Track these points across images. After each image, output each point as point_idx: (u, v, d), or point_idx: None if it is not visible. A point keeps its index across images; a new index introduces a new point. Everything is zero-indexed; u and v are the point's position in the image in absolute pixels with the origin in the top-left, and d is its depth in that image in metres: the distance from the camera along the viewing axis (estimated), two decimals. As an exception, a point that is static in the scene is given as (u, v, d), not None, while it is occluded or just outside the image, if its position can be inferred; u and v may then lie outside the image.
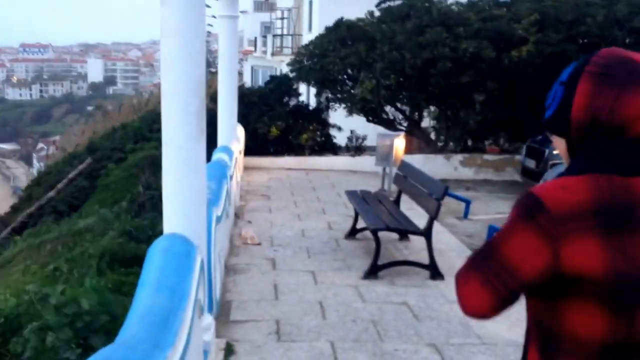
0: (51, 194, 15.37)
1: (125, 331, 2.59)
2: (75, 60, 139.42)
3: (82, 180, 15.52)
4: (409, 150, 12.23)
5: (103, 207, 10.17)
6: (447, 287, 6.00)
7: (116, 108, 44.98)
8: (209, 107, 11.87)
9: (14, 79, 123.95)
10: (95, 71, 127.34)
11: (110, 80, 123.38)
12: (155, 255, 3.28)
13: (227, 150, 8.20)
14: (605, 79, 1.43)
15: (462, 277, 1.54)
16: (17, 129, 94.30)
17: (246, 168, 12.41)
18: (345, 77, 14.30)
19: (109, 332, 3.89)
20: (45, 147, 69.53)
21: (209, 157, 7.64)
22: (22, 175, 67.59)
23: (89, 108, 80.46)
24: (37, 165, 55.95)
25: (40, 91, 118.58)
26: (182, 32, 3.46)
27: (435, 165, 12.67)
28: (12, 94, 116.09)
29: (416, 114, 14.82)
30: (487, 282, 1.47)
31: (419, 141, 15.66)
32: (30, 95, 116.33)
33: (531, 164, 10.95)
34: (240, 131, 11.49)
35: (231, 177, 7.69)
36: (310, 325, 5.03)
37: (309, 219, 8.73)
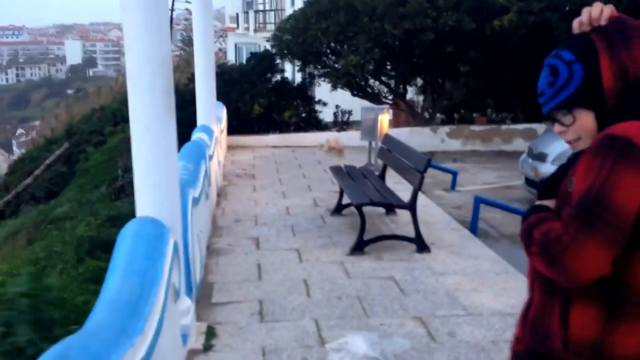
0: (28, 180, 15.07)
1: (91, 319, 2.47)
2: (52, 42, 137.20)
3: (60, 166, 15.25)
4: (395, 124, 12.12)
5: (82, 192, 9.98)
6: (434, 260, 5.91)
7: (97, 90, 44.42)
8: (188, 86, 11.68)
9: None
10: (73, 53, 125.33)
11: (90, 62, 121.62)
12: (125, 239, 3.14)
13: (207, 130, 8.02)
14: (612, 44, 1.58)
15: (573, 246, 1.47)
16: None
17: (230, 147, 12.24)
18: (328, 50, 14.08)
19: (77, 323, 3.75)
20: (25, 133, 68.70)
21: (188, 137, 7.47)
22: (3, 162, 66.83)
23: (69, 91, 79.47)
24: (18, 152, 55.33)
25: (17, 75, 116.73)
26: (142, 7, 3.29)
27: (421, 138, 12.56)
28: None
29: (401, 86, 14.66)
30: (606, 238, 1.45)
31: (405, 114, 15.54)
32: (7, 80, 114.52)
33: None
34: (222, 110, 11.29)
35: (211, 156, 7.52)
36: (295, 304, 4.91)
37: (294, 197, 8.60)
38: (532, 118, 12.98)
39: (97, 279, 5.34)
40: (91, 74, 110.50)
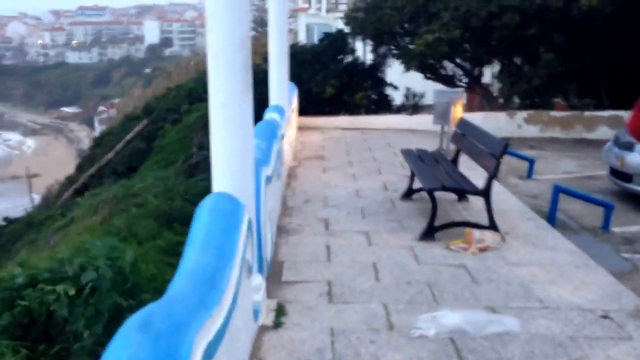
0: (110, 155, 15.66)
1: (172, 288, 2.55)
2: (132, 22, 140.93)
3: (139, 142, 15.73)
4: (469, 108, 11.85)
5: (159, 168, 10.25)
6: (508, 249, 5.76)
7: (173, 69, 45.44)
8: (261, 66, 11.77)
9: (74, 43, 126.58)
10: (151, 33, 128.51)
11: (167, 42, 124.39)
12: (203, 214, 3.20)
13: (279, 110, 8.06)
14: None
15: None
16: (79, 92, 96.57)
17: (300, 128, 12.28)
18: (402, 30, 13.86)
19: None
20: (106, 110, 71.17)
21: (260, 117, 7.53)
22: (85, 138, 69.51)
23: (147, 70, 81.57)
24: (99, 128, 57.38)
25: (100, 54, 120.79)
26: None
27: (496, 123, 12.21)
28: (72, 58, 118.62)
29: (477, 69, 14.31)
30: None
31: (479, 98, 15.18)
32: (90, 58, 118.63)
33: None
34: (294, 90, 11.33)
35: (283, 136, 7.56)
36: (363, 286, 4.90)
37: (363, 179, 8.56)
38: (618, 104, 12.39)
39: (173, 251, 5.49)
40: (167, 53, 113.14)
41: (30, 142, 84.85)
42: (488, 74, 15.32)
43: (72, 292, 3.94)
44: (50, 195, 20.65)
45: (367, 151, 10.65)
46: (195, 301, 2.40)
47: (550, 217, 6.92)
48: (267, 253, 4.87)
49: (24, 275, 4.29)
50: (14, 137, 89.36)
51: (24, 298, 4.07)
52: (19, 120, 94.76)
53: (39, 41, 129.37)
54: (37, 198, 27.63)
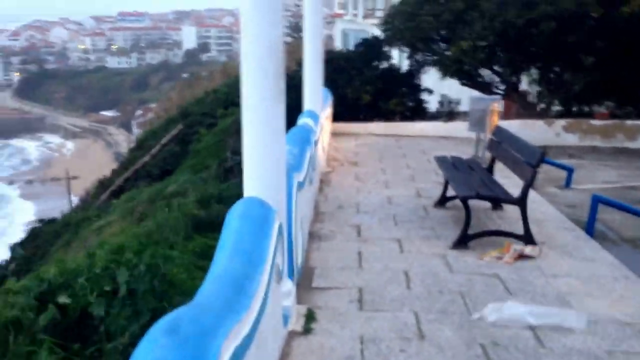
0: (145, 158, 15.87)
1: (201, 293, 2.55)
2: (171, 27, 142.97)
3: (174, 146, 15.91)
4: (505, 115, 11.67)
5: (193, 172, 10.33)
6: (544, 260, 5.64)
7: (209, 74, 45.90)
8: (296, 71, 11.81)
9: (114, 48, 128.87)
10: (189, 38, 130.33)
11: (204, 47, 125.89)
12: (233, 218, 3.20)
13: (312, 115, 8.05)
14: None
15: None
16: (117, 96, 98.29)
17: (334, 134, 12.25)
18: (438, 37, 13.76)
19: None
20: (143, 114, 72.24)
21: (294, 122, 7.52)
22: (123, 141, 70.66)
23: (184, 75, 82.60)
24: (136, 132, 58.25)
25: (138, 59, 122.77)
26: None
27: (534, 131, 12.00)
28: (111, 62, 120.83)
29: (514, 76, 14.12)
30: None
31: (516, 106, 14.96)
32: (129, 63, 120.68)
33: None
34: (328, 96, 11.32)
35: (316, 142, 7.54)
36: (394, 294, 4.84)
37: (397, 186, 8.49)
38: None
39: (205, 254, 5.51)
40: (205, 58, 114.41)
41: (70, 145, 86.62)
42: (526, 81, 15.09)
43: (108, 289, 3.99)
44: (88, 197, 21.01)
45: (401, 158, 10.57)
46: (223, 306, 2.40)
47: (589, 228, 6.76)
48: (298, 259, 4.85)
49: (59, 275, 4.35)
50: (54, 139, 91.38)
51: (59, 298, 4.13)
52: (60, 123, 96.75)
53: (80, 46, 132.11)
54: (75, 200, 28.16)
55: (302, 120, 7.67)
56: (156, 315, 3.78)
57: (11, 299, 4.24)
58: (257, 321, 2.67)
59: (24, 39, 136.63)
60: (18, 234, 21.21)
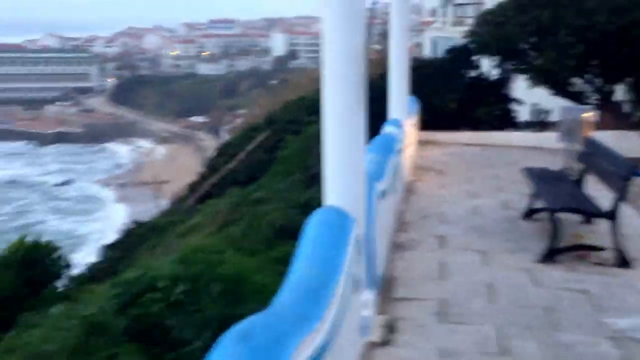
0: (231, 165, 16.25)
1: (275, 301, 2.59)
2: (260, 35, 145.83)
3: (260, 152, 16.21)
4: (598, 126, 11.22)
5: (278, 179, 10.50)
6: (636, 276, 5.39)
7: (297, 81, 46.50)
8: (381, 79, 11.78)
9: (205, 54, 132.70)
10: (278, 45, 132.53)
11: (292, 54, 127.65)
12: (311, 227, 3.24)
13: (397, 124, 8.03)
14: None
15: None
16: (207, 102, 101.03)
17: (421, 142, 12.15)
18: (527, 46, 13.40)
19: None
20: (231, 120, 73.99)
21: (378, 130, 7.53)
22: (212, 147, 72.47)
23: (272, 82, 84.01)
24: (224, 137, 59.67)
25: (228, 66, 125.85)
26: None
27: (630, 143, 11.42)
28: (201, 69, 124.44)
29: (607, 86, 13.54)
30: None
31: (610, 116, 14.34)
32: (218, 69, 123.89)
33: None
34: (414, 104, 11.24)
35: (400, 151, 7.52)
36: (477, 307, 4.76)
37: (483, 197, 8.33)
38: None
39: (286, 262, 5.60)
40: (293, 65, 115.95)
41: (161, 150, 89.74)
42: (620, 90, 14.45)
43: (185, 294, 4.11)
44: (176, 201, 21.72)
45: (488, 167, 10.36)
46: (297, 314, 2.42)
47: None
48: (379, 268, 4.85)
49: (140, 279, 4.51)
50: (146, 144, 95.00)
51: (137, 303, 4.29)
52: (151, 128, 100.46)
53: (172, 52, 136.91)
54: (165, 204, 29.19)
55: (387, 129, 7.66)
56: (231, 321, 3.87)
57: (94, 302, 4.45)
58: (331, 331, 2.68)
59: (119, 45, 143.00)
60: (111, 236, 22.20)
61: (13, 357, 4.63)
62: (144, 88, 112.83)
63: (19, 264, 9.22)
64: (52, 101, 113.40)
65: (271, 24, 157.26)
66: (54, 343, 4.28)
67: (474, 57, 14.63)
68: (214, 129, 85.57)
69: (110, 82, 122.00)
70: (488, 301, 4.88)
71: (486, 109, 13.59)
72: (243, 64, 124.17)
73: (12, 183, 74.89)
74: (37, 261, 9.48)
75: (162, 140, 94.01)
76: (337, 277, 2.87)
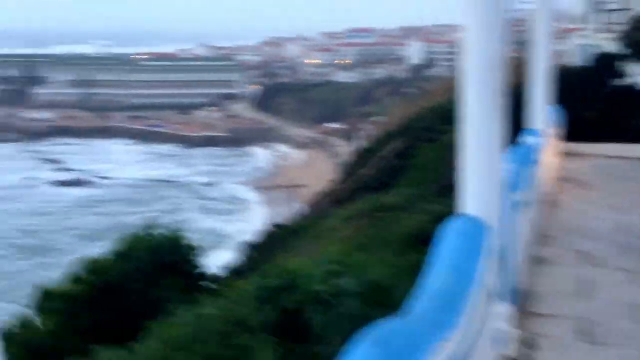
0: (365, 170, 16.41)
1: (410, 306, 2.62)
2: (396, 43, 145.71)
3: (393, 159, 16.24)
4: None
5: (412, 186, 10.49)
6: None
7: (433, 89, 46.05)
8: (522, 88, 11.42)
9: (345, 62, 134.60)
10: (414, 54, 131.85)
11: (429, 63, 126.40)
12: (445, 235, 3.24)
13: (535, 134, 7.77)
14: None
15: None
16: (342, 109, 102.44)
17: (563, 153, 11.63)
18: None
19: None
20: (366, 127, 74.53)
21: (515, 140, 7.32)
22: (347, 153, 73.42)
23: (407, 90, 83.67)
24: (359, 144, 60.20)
25: (364, 74, 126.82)
26: (479, 7, 3.36)
27: None
28: (338, 77, 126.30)
29: None
30: None
31: None
32: (354, 77, 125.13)
33: None
34: (557, 114, 10.79)
35: (539, 161, 7.26)
36: (621, 328, 4.51)
37: (628, 212, 7.84)
38: None
39: (420, 268, 5.60)
40: (428, 73, 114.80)
41: (298, 155, 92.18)
42: None
43: (321, 294, 4.24)
44: (311, 205, 22.25)
45: (634, 182, 9.74)
46: (431, 321, 2.43)
47: None
48: (516, 281, 4.73)
49: (279, 278, 4.71)
50: (283, 148, 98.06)
51: (278, 299, 4.48)
52: (289, 134, 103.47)
53: (310, 60, 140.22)
54: (300, 207, 29.98)
55: (524, 139, 7.44)
56: (364, 322, 3.95)
57: (236, 298, 4.69)
58: (465, 341, 2.66)
59: (261, 54, 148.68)
60: (251, 236, 23.16)
61: (162, 345, 5.00)
62: (284, 95, 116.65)
63: (164, 260, 9.87)
64: (200, 106, 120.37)
65: (408, 32, 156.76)
66: (199, 335, 4.58)
67: (622, 64, 13.81)
68: (349, 135, 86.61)
69: (253, 88, 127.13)
70: (634, 322, 4.61)
71: (635, 120, 12.76)
72: (379, 72, 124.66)
73: (166, 182, 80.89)
74: (182, 258, 10.11)
75: (299, 145, 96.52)
76: (472, 286, 2.85)
